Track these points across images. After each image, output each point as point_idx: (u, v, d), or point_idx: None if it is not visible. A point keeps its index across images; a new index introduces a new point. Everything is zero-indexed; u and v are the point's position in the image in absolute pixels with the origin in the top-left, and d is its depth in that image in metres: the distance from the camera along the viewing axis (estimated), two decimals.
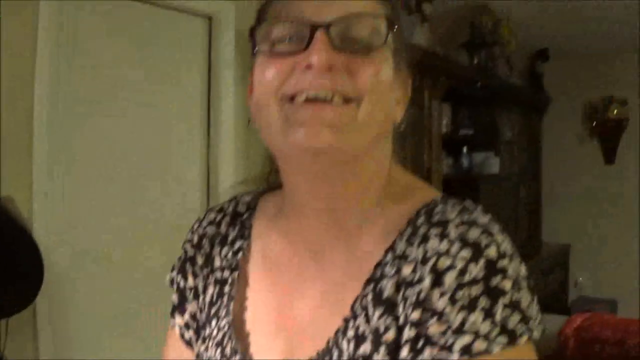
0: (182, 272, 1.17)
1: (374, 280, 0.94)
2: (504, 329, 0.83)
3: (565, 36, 6.62)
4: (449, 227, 0.90)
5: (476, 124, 6.04)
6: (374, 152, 0.99)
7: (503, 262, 0.86)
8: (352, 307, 0.94)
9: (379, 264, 0.95)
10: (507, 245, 0.89)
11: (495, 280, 0.84)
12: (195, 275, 1.16)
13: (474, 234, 0.88)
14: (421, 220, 0.94)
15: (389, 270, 0.93)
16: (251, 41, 0.98)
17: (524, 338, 0.84)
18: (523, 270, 0.90)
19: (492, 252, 0.86)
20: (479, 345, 0.82)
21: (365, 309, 0.93)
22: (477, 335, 0.82)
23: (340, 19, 0.92)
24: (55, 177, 2.96)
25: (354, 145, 0.93)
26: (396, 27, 0.98)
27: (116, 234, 3.26)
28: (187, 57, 3.70)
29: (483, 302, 0.83)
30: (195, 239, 1.18)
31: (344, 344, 0.92)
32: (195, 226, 1.20)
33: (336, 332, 0.94)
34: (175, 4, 3.54)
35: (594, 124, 7.20)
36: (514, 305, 0.84)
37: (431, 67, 4.77)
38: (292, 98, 0.92)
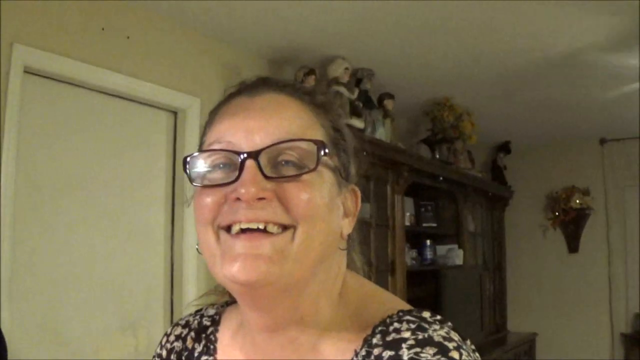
0: None
1: None
2: None
3: (526, 128, 6.78)
4: (402, 349, 0.87)
5: (439, 216, 6.13)
6: (318, 275, 0.97)
7: None
8: None
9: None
10: (466, 353, 0.88)
11: None
12: None
13: (427, 354, 0.86)
14: (376, 339, 0.91)
15: None
16: (185, 171, 0.97)
17: None
18: None
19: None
20: None
21: None
22: None
23: (269, 146, 0.92)
24: (19, 256, 2.98)
25: (292, 274, 0.91)
26: (335, 146, 1.00)
27: (77, 322, 3.25)
28: (153, 148, 3.78)
29: None
30: (164, 353, 1.18)
31: None
32: (164, 341, 1.20)
33: None
34: (143, 99, 3.62)
35: (557, 214, 7.29)
36: None
37: (394, 162, 4.86)
38: (228, 228, 0.92)
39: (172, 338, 1.19)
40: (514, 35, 4.18)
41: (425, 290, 5.35)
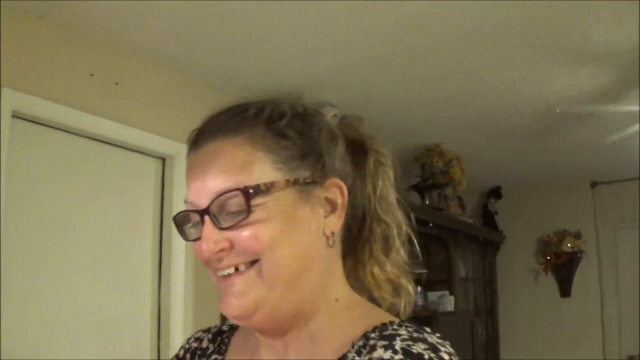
0: None
1: None
2: None
3: (517, 172, 6.83)
4: (397, 340, 0.92)
5: (430, 262, 6.10)
6: (301, 285, 1.03)
7: None
8: None
9: None
10: None
11: None
12: None
13: (418, 347, 0.90)
14: (374, 334, 0.97)
15: None
16: (177, 230, 1.09)
17: None
18: None
19: None
20: None
21: None
22: None
23: (212, 203, 1.00)
24: (6, 300, 2.96)
25: (269, 300, 1.01)
26: (299, 154, 1.04)
27: None
28: (141, 194, 3.78)
29: None
30: (182, 353, 1.26)
31: None
32: (184, 343, 1.29)
33: None
34: (131, 144, 3.63)
35: (548, 257, 7.27)
36: None
37: None
38: (215, 271, 1.04)
39: (191, 340, 1.28)
40: (505, 82, 4.23)
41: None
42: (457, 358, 0.93)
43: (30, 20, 3.15)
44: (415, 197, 5.86)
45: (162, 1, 3.07)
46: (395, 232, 1.18)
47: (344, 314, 1.06)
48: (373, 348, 0.93)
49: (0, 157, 2.93)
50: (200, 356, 1.23)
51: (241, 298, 1.00)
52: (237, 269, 1.01)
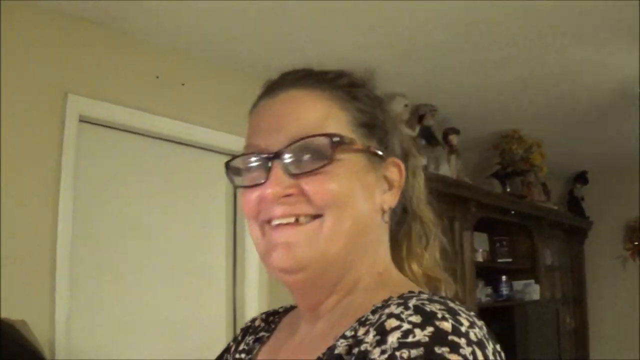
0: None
1: (334, 345, 0.93)
2: None
3: (603, 157, 6.59)
4: (412, 299, 0.88)
5: (514, 251, 6.01)
6: (353, 254, 1.03)
7: (457, 339, 0.81)
8: None
9: (344, 332, 0.94)
10: (475, 333, 0.84)
11: (441, 350, 0.79)
12: None
13: (433, 307, 0.86)
14: (395, 298, 0.94)
15: (348, 333, 0.92)
16: (227, 175, 1.08)
17: None
18: None
19: (446, 325, 0.82)
20: None
21: None
22: None
23: (286, 147, 1.00)
24: (77, 301, 3.05)
25: (323, 258, 1.00)
26: (365, 126, 1.05)
27: None
28: (211, 190, 3.82)
29: None
30: (239, 332, 1.30)
31: None
32: (243, 325, 1.32)
33: None
34: (199, 142, 3.68)
35: (636, 243, 7.04)
36: None
37: (460, 198, 4.80)
38: (269, 222, 1.02)
39: (249, 322, 1.31)
40: (581, 63, 4.10)
41: (500, 327, 5.22)
42: (483, 332, 0.86)
43: (93, 27, 3.23)
44: (496, 185, 5.77)
45: (225, 1, 3.11)
46: (430, 230, 1.18)
47: (380, 287, 1.04)
48: (387, 306, 0.90)
49: (69, 160, 3.03)
50: (250, 333, 1.26)
51: (295, 250, 0.99)
52: (297, 220, 1.00)
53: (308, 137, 0.99)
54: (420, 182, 1.19)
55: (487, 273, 5.60)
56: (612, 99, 4.74)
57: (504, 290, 5.74)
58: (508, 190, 5.81)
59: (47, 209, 2.98)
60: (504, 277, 5.79)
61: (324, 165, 0.98)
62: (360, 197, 1.02)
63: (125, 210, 3.36)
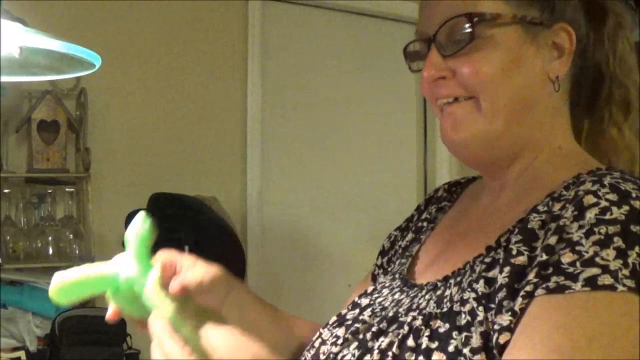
0: (401, 229, 1.31)
1: (526, 218, 0.94)
2: (634, 274, 0.78)
3: None
4: (606, 177, 0.89)
5: None
6: (521, 129, 1.03)
7: None
8: (498, 238, 0.96)
9: (536, 206, 0.95)
10: None
11: (636, 228, 0.81)
12: (408, 230, 1.29)
13: (627, 186, 0.86)
14: (586, 175, 0.94)
15: (541, 208, 0.93)
16: (405, 61, 1.11)
17: None
18: None
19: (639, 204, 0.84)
20: (605, 279, 0.78)
21: (509, 240, 0.93)
22: (605, 269, 0.79)
23: (440, 28, 1.00)
24: (268, 176, 3.19)
25: (485, 133, 1.01)
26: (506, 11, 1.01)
27: (327, 234, 3.42)
28: (401, 64, 3.76)
29: (619, 242, 0.80)
30: (423, 202, 1.33)
31: (477, 267, 0.95)
32: (428, 195, 1.34)
33: (475, 257, 0.98)
34: (388, 14, 3.63)
35: None
36: None
37: None
38: (437, 100, 1.05)
39: (432, 192, 1.33)
40: None
41: None
42: None
43: None
44: None
45: None
46: (636, 97, 1.12)
47: (564, 161, 1.04)
48: (581, 182, 0.90)
49: (255, 39, 3.09)
50: (433, 203, 1.28)
51: (459, 127, 1.02)
52: (456, 99, 1.02)
53: (448, 19, 0.99)
54: (624, 43, 1.12)
55: None
56: None
57: None
58: None
59: (236, 87, 3.08)
60: None
61: (465, 45, 0.98)
62: (515, 72, 1.01)
63: (314, 85, 3.40)
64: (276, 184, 3.22)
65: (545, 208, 0.92)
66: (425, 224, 1.25)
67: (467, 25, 0.99)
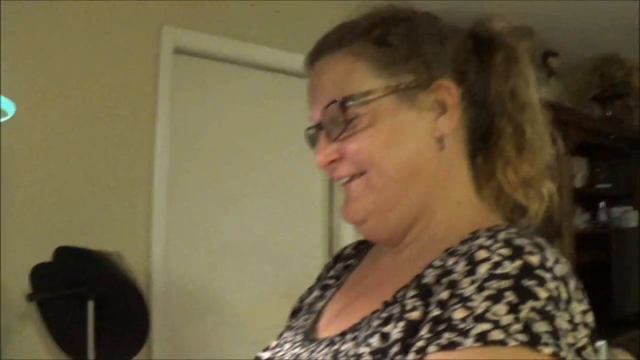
0: (310, 288, 1.34)
1: (422, 273, 0.96)
2: (526, 329, 0.79)
3: None
4: (502, 232, 0.91)
5: (614, 177, 5.85)
6: (411, 194, 1.06)
7: (543, 273, 0.84)
8: (395, 294, 0.97)
9: (432, 262, 0.97)
10: (559, 268, 0.87)
11: (528, 283, 0.82)
12: (315, 287, 1.32)
13: (521, 241, 0.88)
14: (483, 230, 0.95)
15: (437, 263, 0.95)
16: (307, 144, 1.17)
17: (549, 350, 0.78)
18: (578, 306, 0.89)
19: (533, 259, 0.85)
20: (496, 334, 0.78)
21: (404, 295, 0.95)
22: (496, 325, 0.79)
23: (322, 116, 1.07)
24: (174, 231, 3.15)
25: (379, 208, 1.06)
26: (400, 59, 1.05)
27: (233, 290, 3.39)
28: (306, 119, 3.80)
29: (510, 296, 0.81)
30: (331, 260, 1.36)
31: (374, 322, 0.95)
32: (336, 253, 1.38)
33: (372, 312, 0.99)
34: (294, 70, 3.64)
35: None
36: (545, 315, 0.81)
37: (559, 122, 4.66)
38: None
39: (340, 250, 1.38)
40: None
41: (597, 254, 5.14)
42: (566, 268, 0.90)
43: None
44: (595, 109, 5.61)
45: None
46: (531, 132, 1.12)
47: (464, 216, 1.06)
48: (477, 238, 0.92)
49: (165, 92, 3.09)
50: (340, 260, 1.32)
51: (354, 204, 1.07)
52: (352, 177, 1.06)
53: (328, 105, 1.05)
54: (518, 77, 1.14)
55: (586, 199, 5.49)
56: None
57: (602, 217, 5.64)
58: (608, 114, 5.64)
59: (144, 139, 3.05)
60: (602, 203, 5.67)
61: (346, 128, 1.04)
62: (398, 141, 1.04)
63: (222, 139, 3.41)
64: (182, 239, 3.19)
65: (441, 263, 0.94)
66: (331, 281, 1.27)
67: (342, 110, 1.03)
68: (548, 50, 4.93)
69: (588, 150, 5.41)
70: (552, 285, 0.84)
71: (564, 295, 0.86)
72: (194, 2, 3.23)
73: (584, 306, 0.91)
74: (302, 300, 1.32)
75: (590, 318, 0.92)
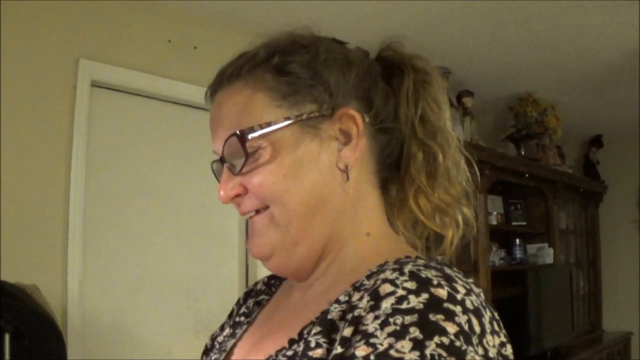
0: (221, 326, 1.28)
1: (327, 309, 0.92)
2: None
3: (619, 121, 6.51)
4: (408, 264, 0.87)
5: (529, 214, 6.00)
6: (316, 227, 1.02)
7: (452, 307, 0.80)
8: (301, 331, 0.93)
9: (338, 297, 0.93)
10: (471, 301, 0.84)
11: (435, 317, 0.78)
12: (226, 325, 1.26)
13: (429, 273, 0.84)
14: (391, 263, 0.92)
15: (343, 298, 0.91)
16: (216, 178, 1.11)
17: None
18: (494, 339, 0.85)
19: (441, 292, 0.81)
20: None
21: (309, 332, 0.90)
22: None
23: (223, 150, 1.02)
24: (89, 265, 3.09)
25: (283, 243, 1.02)
26: (303, 87, 1.01)
27: (149, 325, 3.34)
28: None
29: (415, 332, 0.77)
30: (242, 296, 1.31)
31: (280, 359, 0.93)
32: (247, 289, 1.33)
33: (278, 351, 0.94)
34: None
35: None
36: (454, 351, 0.76)
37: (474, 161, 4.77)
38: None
39: (251, 286, 1.33)
40: (594, 26, 4.06)
41: (513, 290, 5.23)
42: (480, 300, 0.86)
43: None
44: (510, 148, 5.76)
45: None
46: (442, 158, 1.07)
47: (373, 248, 1.02)
48: (383, 271, 0.88)
49: (81, 125, 3.05)
50: (252, 296, 1.27)
51: (260, 239, 1.03)
52: (257, 212, 1.02)
53: (227, 139, 1.01)
54: (429, 102, 1.09)
55: (501, 236, 5.61)
56: (628, 61, 4.69)
57: (518, 254, 5.75)
58: (523, 153, 5.79)
59: (59, 173, 3.00)
60: (518, 241, 5.80)
61: (246, 161, 0.99)
62: (300, 173, 1.00)
63: (138, 173, 3.38)
64: (98, 273, 3.14)
65: (347, 298, 0.90)
66: (242, 318, 1.21)
67: (242, 142, 0.99)
68: (463, 90, 5.05)
69: (503, 188, 5.53)
70: (462, 319, 0.80)
71: (476, 328, 0.82)
72: (111, 36, 3.22)
73: (502, 338, 0.87)
74: (213, 338, 1.26)
75: (508, 350, 0.89)
